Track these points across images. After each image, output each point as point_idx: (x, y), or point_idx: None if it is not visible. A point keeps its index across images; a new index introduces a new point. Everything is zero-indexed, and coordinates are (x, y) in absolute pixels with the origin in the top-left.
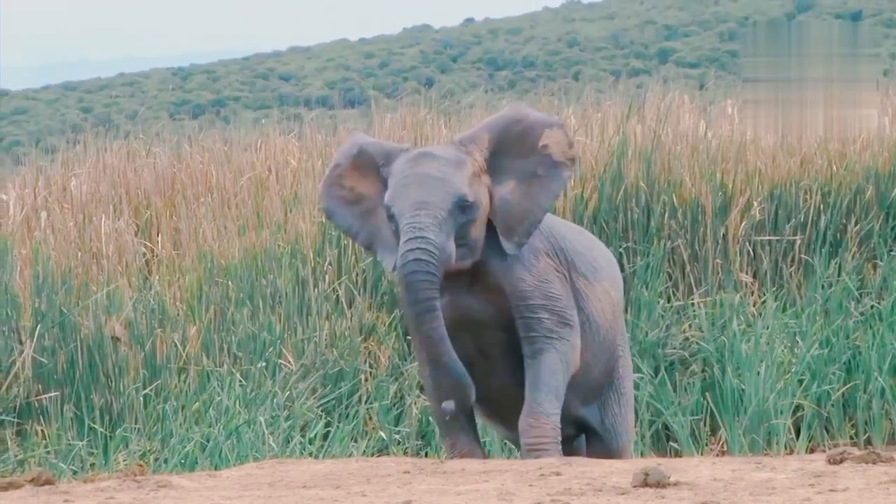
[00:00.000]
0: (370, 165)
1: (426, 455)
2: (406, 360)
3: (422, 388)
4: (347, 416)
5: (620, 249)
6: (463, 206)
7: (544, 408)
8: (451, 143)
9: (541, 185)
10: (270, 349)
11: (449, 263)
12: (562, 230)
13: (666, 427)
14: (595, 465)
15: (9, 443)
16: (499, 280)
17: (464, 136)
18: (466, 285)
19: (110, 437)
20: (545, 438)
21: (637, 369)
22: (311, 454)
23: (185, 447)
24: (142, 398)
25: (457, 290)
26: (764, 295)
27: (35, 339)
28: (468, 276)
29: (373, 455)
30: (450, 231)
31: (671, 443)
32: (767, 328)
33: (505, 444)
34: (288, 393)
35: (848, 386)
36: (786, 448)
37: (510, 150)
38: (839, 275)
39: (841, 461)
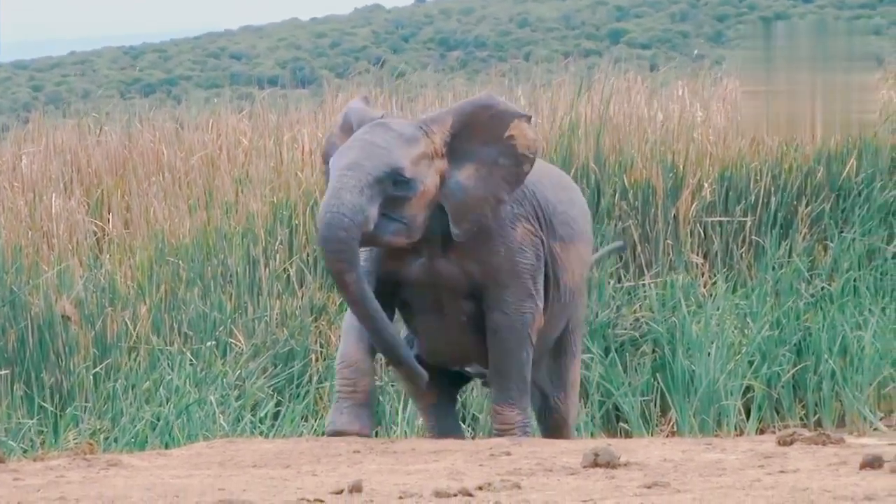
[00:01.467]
0: (349, 130)
1: (376, 435)
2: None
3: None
4: (298, 395)
5: None
6: (396, 180)
7: (511, 394)
8: (411, 121)
9: (500, 175)
10: (221, 328)
11: (379, 237)
12: (545, 190)
13: (616, 408)
14: (545, 445)
15: None
16: (473, 248)
17: (429, 116)
18: (441, 250)
19: (60, 415)
20: (512, 425)
21: (587, 350)
22: (261, 433)
23: (136, 426)
24: (92, 377)
25: (432, 254)
26: (714, 276)
27: None
28: (442, 241)
29: (323, 435)
30: (374, 197)
31: (621, 423)
32: (718, 309)
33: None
34: (238, 372)
35: (798, 367)
36: (736, 429)
37: (474, 135)
38: (790, 256)
39: (791, 442)
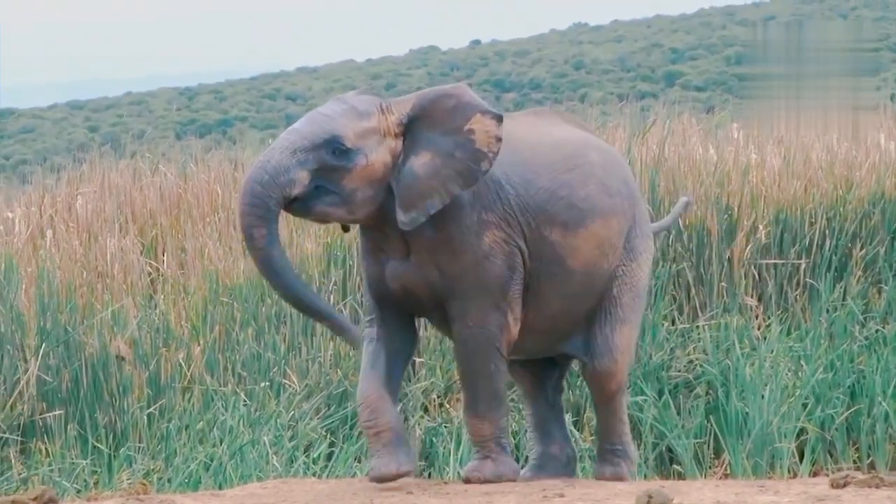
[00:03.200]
0: None
1: (429, 476)
2: (410, 381)
3: (426, 409)
4: (351, 436)
5: None
6: (336, 149)
7: (479, 407)
8: (371, 97)
9: (454, 168)
10: (275, 369)
11: (310, 206)
12: (538, 182)
13: (669, 450)
14: (598, 487)
15: (13, 461)
16: (435, 255)
17: (396, 98)
18: (404, 255)
19: (114, 455)
20: (484, 437)
21: (641, 392)
22: (314, 474)
23: (189, 466)
24: (146, 417)
25: (396, 258)
26: (769, 318)
27: (40, 358)
28: (404, 245)
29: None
30: (306, 162)
31: (674, 465)
32: (772, 352)
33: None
34: (292, 413)
35: (852, 410)
36: (789, 472)
37: (434, 123)
38: (844, 299)
39: (844, 485)
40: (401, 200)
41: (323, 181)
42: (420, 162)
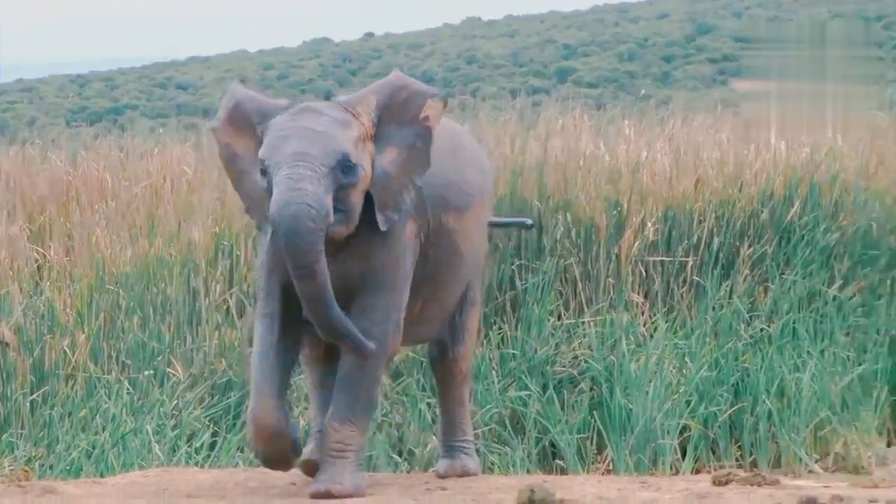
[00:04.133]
0: (246, 123)
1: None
2: (295, 372)
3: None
4: (235, 426)
5: (513, 266)
6: (345, 167)
7: (356, 412)
8: (335, 104)
9: (415, 158)
10: (159, 358)
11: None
12: (434, 167)
13: (553, 445)
14: (481, 481)
15: None
16: (368, 248)
17: (350, 98)
18: (335, 252)
19: None
20: (349, 446)
21: (525, 387)
22: (197, 464)
23: (71, 454)
24: (29, 404)
25: (335, 251)
26: (655, 315)
27: None
28: (342, 243)
29: (259, 466)
30: (329, 189)
31: (557, 460)
32: (657, 349)
33: (391, 457)
34: (175, 402)
35: (735, 408)
36: (672, 468)
37: (392, 117)
38: (730, 297)
39: (726, 483)
40: (379, 203)
41: (335, 201)
42: (388, 160)
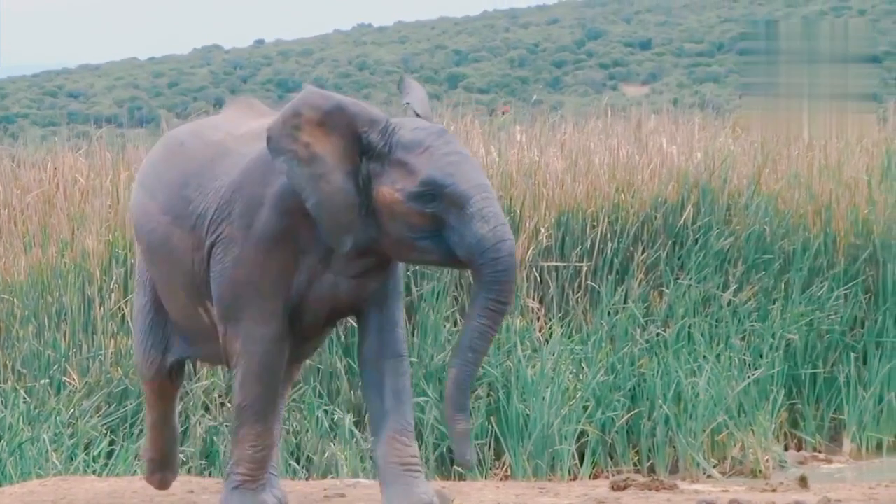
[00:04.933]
0: (345, 128)
1: (210, 475)
2: (191, 380)
3: (207, 408)
4: (132, 434)
5: (408, 273)
6: None
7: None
8: (418, 119)
9: None
10: (55, 367)
11: None
12: None
13: (450, 451)
14: (377, 487)
15: None
16: (386, 264)
17: (424, 115)
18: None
19: None
20: (416, 457)
21: (423, 393)
22: (94, 472)
23: None
24: None
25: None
26: (550, 321)
27: None
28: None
29: None
30: None
31: (455, 467)
32: (553, 354)
33: (289, 464)
34: (72, 411)
35: (632, 413)
36: (570, 474)
37: None
38: (625, 302)
39: (624, 487)
40: None
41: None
42: None
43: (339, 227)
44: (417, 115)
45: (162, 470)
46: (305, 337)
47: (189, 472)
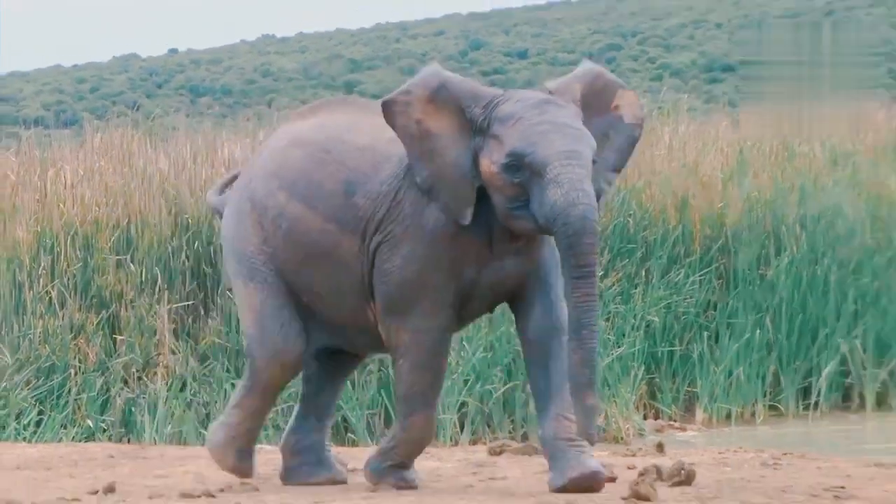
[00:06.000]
0: (452, 104)
1: (129, 442)
2: (111, 357)
3: (125, 382)
4: (59, 405)
5: None
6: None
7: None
8: (545, 92)
9: (610, 147)
10: None
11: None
12: None
13: (345, 420)
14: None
15: None
16: (533, 246)
17: (557, 86)
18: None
19: None
20: None
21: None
22: (24, 439)
23: None
24: None
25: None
26: None
27: None
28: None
29: (81, 441)
30: None
31: (349, 434)
32: None
33: (200, 432)
34: (4, 384)
35: (508, 386)
36: (451, 440)
37: (590, 106)
38: None
39: (500, 452)
40: None
41: None
42: None
43: (456, 200)
44: (549, 92)
45: (251, 458)
46: (472, 317)
47: (110, 439)
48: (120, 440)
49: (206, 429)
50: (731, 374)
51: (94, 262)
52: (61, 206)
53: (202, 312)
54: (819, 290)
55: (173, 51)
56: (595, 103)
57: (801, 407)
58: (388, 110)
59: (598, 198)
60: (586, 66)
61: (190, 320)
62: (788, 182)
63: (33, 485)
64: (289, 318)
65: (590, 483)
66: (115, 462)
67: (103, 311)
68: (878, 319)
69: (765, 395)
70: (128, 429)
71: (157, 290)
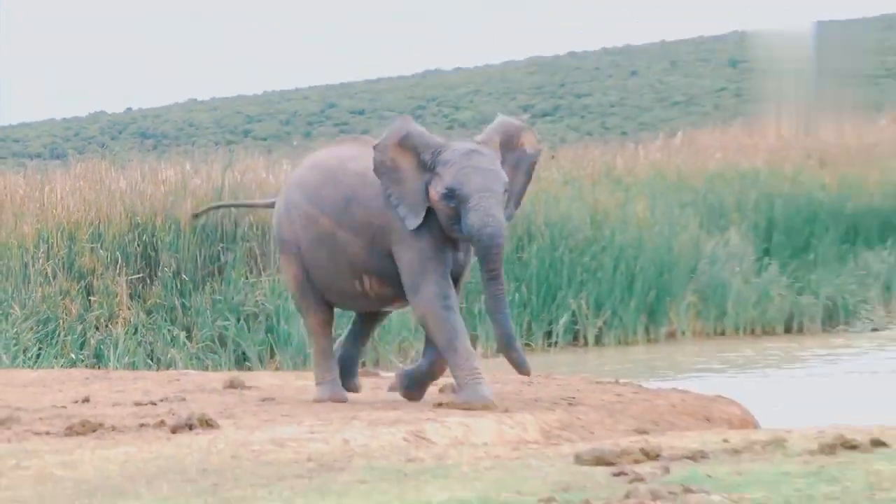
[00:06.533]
0: (412, 149)
1: (98, 368)
2: (87, 311)
3: (97, 329)
4: (52, 344)
5: (219, 247)
6: (504, 191)
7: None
8: (474, 142)
9: (519, 173)
10: (4, 303)
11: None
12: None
13: (244, 354)
14: (200, 376)
15: None
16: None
17: (482, 138)
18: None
19: None
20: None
21: (226, 318)
22: (28, 367)
23: None
24: None
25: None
26: None
27: None
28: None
29: (66, 368)
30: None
31: (247, 363)
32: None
33: (148, 363)
34: (15, 329)
35: None
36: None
37: (506, 145)
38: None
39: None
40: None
41: None
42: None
43: (412, 213)
44: (476, 141)
45: (339, 387)
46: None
47: (86, 367)
48: (93, 367)
49: (152, 360)
50: None
51: (76, 249)
52: (54, 211)
53: (148, 282)
54: (557, 267)
55: (129, 109)
56: (508, 144)
57: (546, 344)
58: (376, 150)
59: (509, 219)
60: (501, 119)
61: (140, 287)
62: (536, 196)
63: (34, 396)
64: (308, 289)
65: (483, 404)
66: (89, 382)
67: (82, 281)
68: (595, 286)
69: (521, 336)
70: (98, 360)
71: (118, 267)
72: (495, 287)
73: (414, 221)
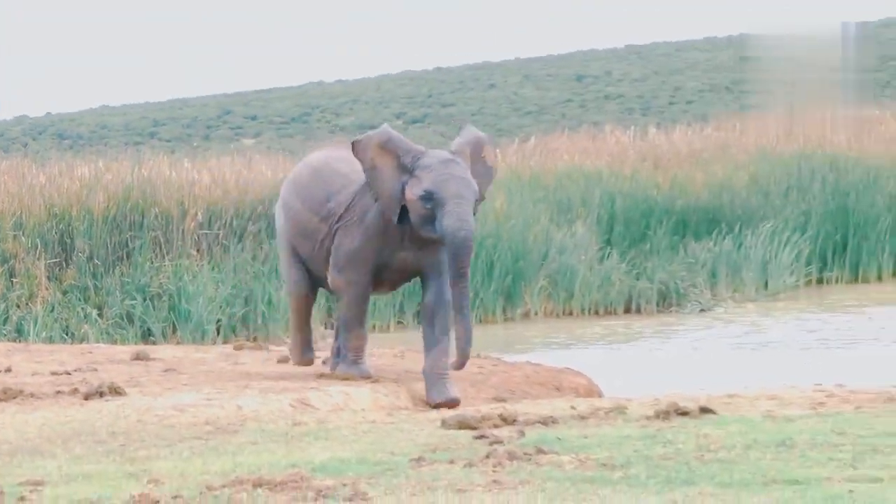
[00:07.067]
0: (392, 152)
1: (19, 342)
2: (10, 290)
3: (18, 306)
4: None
5: (128, 235)
6: (476, 199)
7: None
8: (456, 154)
9: (481, 183)
10: None
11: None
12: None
13: (149, 329)
14: (108, 349)
15: None
16: (436, 246)
17: (456, 148)
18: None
19: None
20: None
21: (134, 298)
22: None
23: None
24: None
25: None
26: (202, 262)
27: None
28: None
29: None
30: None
31: (151, 338)
32: (204, 278)
33: (63, 337)
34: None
35: (247, 309)
36: (213, 342)
37: (473, 157)
38: (243, 251)
39: (241, 348)
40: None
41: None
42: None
43: (389, 208)
44: (451, 151)
45: (307, 354)
46: (393, 284)
47: (9, 340)
48: (14, 341)
49: (67, 335)
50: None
51: (0, 236)
52: None
53: (65, 265)
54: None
55: (48, 113)
56: (474, 155)
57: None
58: (356, 146)
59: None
60: (469, 131)
61: (57, 270)
62: None
63: None
64: (296, 269)
65: (450, 403)
66: (11, 354)
67: (5, 265)
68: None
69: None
70: (19, 334)
71: (37, 252)
72: (462, 283)
73: (392, 217)
